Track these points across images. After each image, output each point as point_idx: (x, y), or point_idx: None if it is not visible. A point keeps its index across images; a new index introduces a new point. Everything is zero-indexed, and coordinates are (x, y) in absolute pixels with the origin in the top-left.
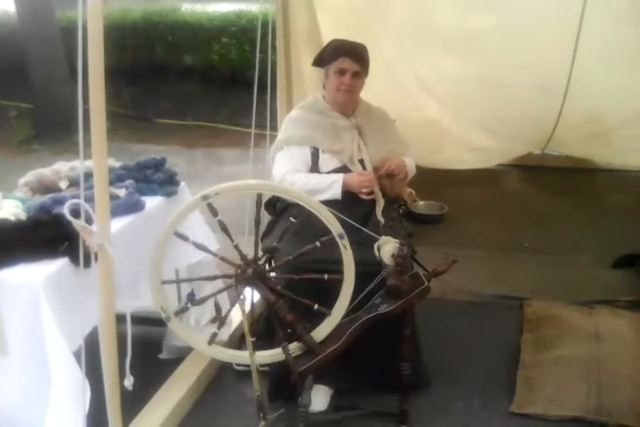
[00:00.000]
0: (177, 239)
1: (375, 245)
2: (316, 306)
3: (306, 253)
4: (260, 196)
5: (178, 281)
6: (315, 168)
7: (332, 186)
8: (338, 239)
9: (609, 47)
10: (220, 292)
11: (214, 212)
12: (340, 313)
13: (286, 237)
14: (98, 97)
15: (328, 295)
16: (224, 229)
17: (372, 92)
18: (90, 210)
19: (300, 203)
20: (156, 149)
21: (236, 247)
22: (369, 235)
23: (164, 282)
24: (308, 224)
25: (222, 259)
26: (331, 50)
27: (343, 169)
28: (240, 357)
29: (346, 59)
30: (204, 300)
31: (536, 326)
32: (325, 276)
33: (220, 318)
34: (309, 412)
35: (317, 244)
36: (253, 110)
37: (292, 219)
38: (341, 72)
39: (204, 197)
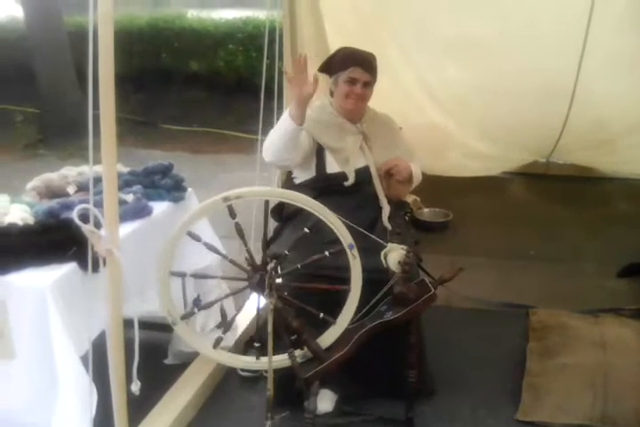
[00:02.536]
0: (183, 244)
1: (382, 253)
2: (322, 315)
3: (313, 261)
4: (267, 202)
5: (184, 275)
6: (321, 166)
7: (284, 118)
8: (347, 249)
9: (616, 54)
10: (227, 296)
11: (233, 214)
12: (345, 321)
13: (292, 243)
14: (108, 102)
15: (335, 301)
16: (240, 232)
17: (376, 98)
18: (99, 215)
19: (309, 209)
20: (162, 154)
21: (249, 251)
22: (376, 241)
23: (173, 273)
24: (316, 231)
25: (232, 262)
26: (341, 58)
27: (343, 174)
28: (246, 362)
29: (357, 68)
30: (209, 304)
31: (542, 334)
32: (333, 286)
33: (225, 324)
34: (315, 417)
35: (326, 253)
36: (260, 117)
37: (305, 229)
38: (352, 81)
39: (226, 199)
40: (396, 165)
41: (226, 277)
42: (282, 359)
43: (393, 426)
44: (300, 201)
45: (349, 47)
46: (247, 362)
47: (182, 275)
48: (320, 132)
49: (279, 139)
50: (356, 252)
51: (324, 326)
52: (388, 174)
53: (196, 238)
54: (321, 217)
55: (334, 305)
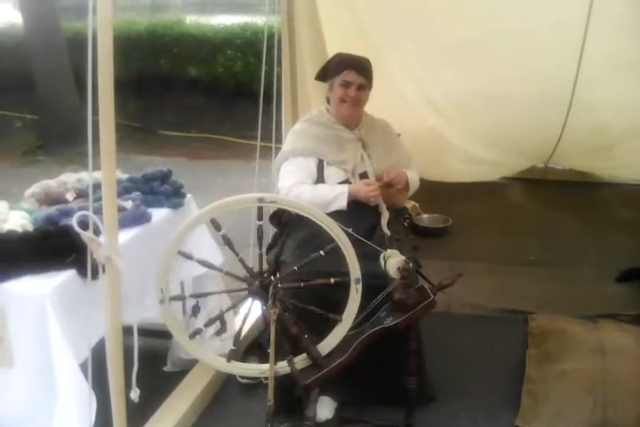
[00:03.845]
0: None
1: (381, 256)
2: (306, 336)
3: (309, 263)
4: (260, 209)
5: (184, 298)
6: (320, 181)
7: (338, 198)
8: (353, 283)
9: (614, 60)
10: (228, 310)
11: (218, 227)
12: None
13: (292, 249)
14: (107, 108)
15: (334, 306)
16: (228, 243)
17: (375, 104)
18: (98, 222)
19: (314, 219)
20: (161, 160)
21: (242, 261)
22: (374, 247)
23: (173, 298)
24: (314, 236)
25: (227, 273)
26: (335, 63)
27: (348, 182)
28: (249, 369)
29: (351, 71)
30: (213, 320)
31: (541, 340)
32: (329, 314)
33: (224, 330)
34: (315, 424)
35: (321, 253)
36: (259, 122)
37: (321, 252)
38: (346, 85)
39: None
40: (396, 176)
41: (225, 291)
42: (281, 366)
43: None
44: (300, 208)
45: (344, 53)
46: (215, 360)
47: (182, 298)
48: (322, 150)
49: (320, 200)
50: (360, 287)
51: (323, 332)
52: (388, 185)
53: (188, 257)
54: (317, 221)
55: (334, 309)
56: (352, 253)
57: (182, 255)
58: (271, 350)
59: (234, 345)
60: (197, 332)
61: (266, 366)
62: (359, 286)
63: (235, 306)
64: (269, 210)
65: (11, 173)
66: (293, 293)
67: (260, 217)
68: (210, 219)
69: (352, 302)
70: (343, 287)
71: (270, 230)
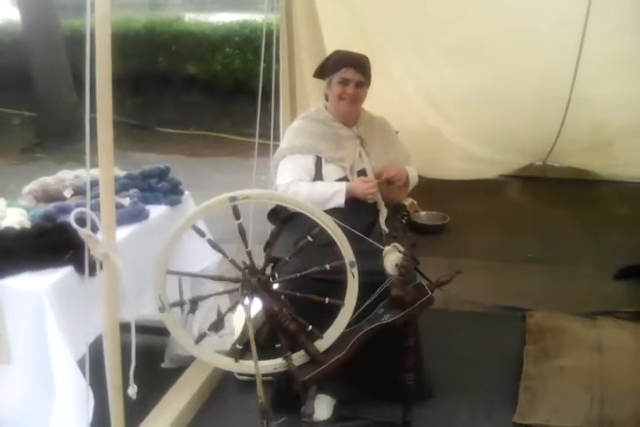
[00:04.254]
0: (181, 248)
1: (384, 252)
2: (310, 327)
3: (305, 258)
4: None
5: (181, 274)
6: (318, 178)
7: (336, 195)
8: (348, 267)
9: (612, 58)
10: (220, 294)
11: (202, 233)
12: (333, 337)
13: (290, 246)
14: (105, 106)
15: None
16: (215, 247)
17: (373, 101)
18: (96, 219)
19: (314, 218)
20: (159, 158)
21: (233, 262)
22: (373, 244)
23: (169, 272)
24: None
25: (232, 262)
26: (333, 60)
27: (346, 179)
28: (225, 363)
29: (349, 69)
30: (201, 298)
31: (538, 336)
32: (327, 300)
33: (220, 324)
34: (313, 421)
35: (327, 267)
36: (257, 120)
37: (309, 238)
38: (344, 82)
39: (232, 199)
40: (396, 173)
41: (219, 277)
42: (279, 363)
43: None
44: (303, 208)
45: (342, 50)
46: (226, 363)
47: (178, 273)
48: (320, 148)
49: (319, 198)
50: (355, 271)
51: (321, 328)
52: (388, 182)
53: (201, 234)
54: (323, 225)
55: (331, 309)
56: (342, 237)
57: (195, 231)
58: (251, 343)
59: (239, 344)
60: (202, 336)
61: (266, 363)
62: (355, 271)
63: (233, 307)
64: (267, 208)
65: (8, 171)
66: (291, 287)
67: (237, 216)
68: (192, 226)
69: (351, 290)
70: (340, 284)
71: (268, 227)
